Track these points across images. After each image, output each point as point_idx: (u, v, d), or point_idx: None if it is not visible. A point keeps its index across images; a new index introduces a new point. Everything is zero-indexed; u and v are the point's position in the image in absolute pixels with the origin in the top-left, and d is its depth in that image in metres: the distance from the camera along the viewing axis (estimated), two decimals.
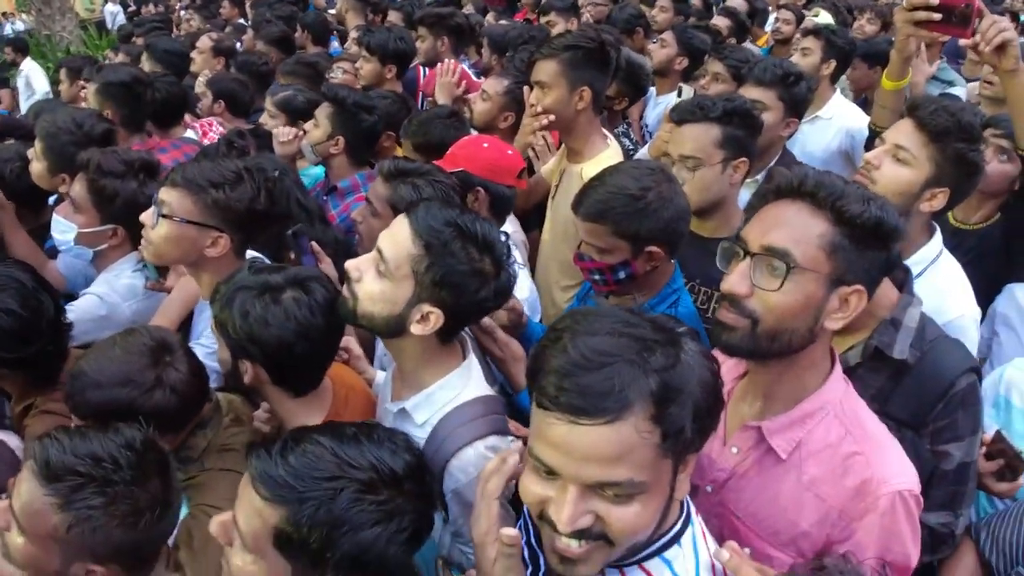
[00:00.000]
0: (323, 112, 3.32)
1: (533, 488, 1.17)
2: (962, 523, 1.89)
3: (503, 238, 1.71)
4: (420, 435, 1.67)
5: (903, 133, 2.14)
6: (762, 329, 1.42)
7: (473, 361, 1.80)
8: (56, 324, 2.11)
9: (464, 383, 1.75)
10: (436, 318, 1.65)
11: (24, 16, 11.50)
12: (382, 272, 1.66)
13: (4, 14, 13.82)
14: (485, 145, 2.70)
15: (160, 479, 1.51)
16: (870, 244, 1.42)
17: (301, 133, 3.39)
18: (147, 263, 2.50)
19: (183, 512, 1.68)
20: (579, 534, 1.12)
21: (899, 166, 2.11)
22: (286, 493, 1.21)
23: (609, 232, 2.09)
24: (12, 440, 2.06)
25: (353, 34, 5.59)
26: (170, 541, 1.66)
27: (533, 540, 1.31)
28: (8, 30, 11.26)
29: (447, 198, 2.28)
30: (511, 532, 1.25)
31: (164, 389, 1.75)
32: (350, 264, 1.72)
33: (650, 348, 1.11)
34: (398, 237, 1.67)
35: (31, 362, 2.07)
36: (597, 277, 2.18)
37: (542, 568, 1.37)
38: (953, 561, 1.96)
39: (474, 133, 3.21)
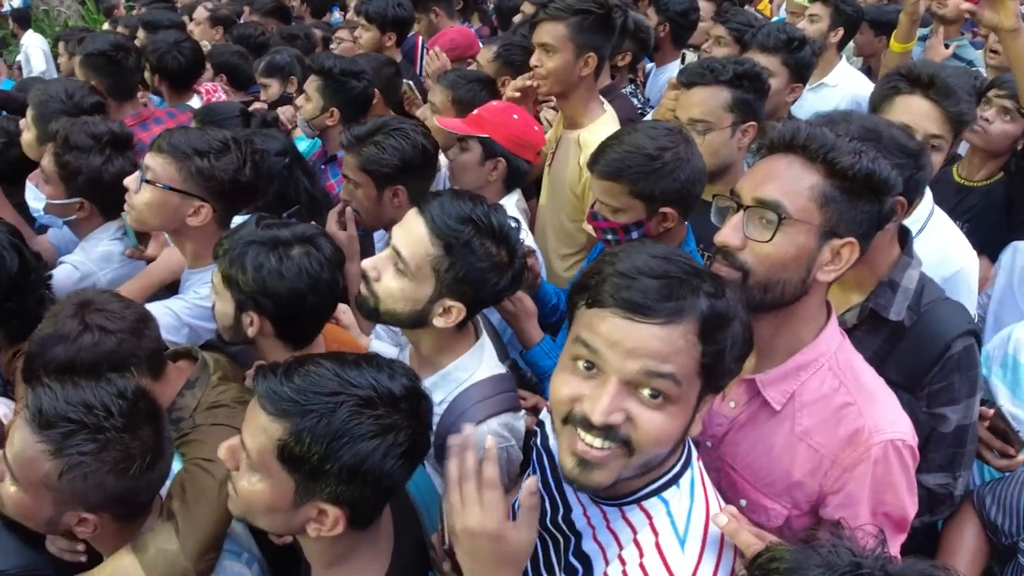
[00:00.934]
0: (312, 85, 3.26)
1: (564, 389, 1.20)
2: (961, 484, 1.88)
3: (512, 223, 1.74)
4: (438, 413, 1.70)
5: (923, 115, 2.09)
6: (754, 281, 1.42)
7: (485, 340, 1.85)
8: (20, 283, 2.08)
9: (477, 363, 1.79)
10: (458, 311, 1.69)
11: None
12: (401, 270, 1.68)
13: None
14: (515, 116, 2.65)
15: (151, 427, 1.53)
16: (862, 196, 1.41)
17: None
18: (127, 230, 2.47)
19: (177, 467, 1.69)
20: (606, 433, 1.15)
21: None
22: (289, 407, 1.25)
23: (625, 191, 2.08)
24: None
25: (353, 4, 5.53)
26: (163, 493, 1.67)
27: (539, 482, 1.35)
28: (7, 7, 11.21)
29: (412, 143, 2.33)
30: (534, 479, 1.28)
31: (92, 331, 1.72)
32: (367, 263, 1.75)
33: (701, 276, 1.18)
34: (414, 236, 1.67)
35: (5, 316, 2.08)
36: (610, 236, 2.17)
37: (547, 513, 1.41)
38: (956, 522, 1.97)
39: None
